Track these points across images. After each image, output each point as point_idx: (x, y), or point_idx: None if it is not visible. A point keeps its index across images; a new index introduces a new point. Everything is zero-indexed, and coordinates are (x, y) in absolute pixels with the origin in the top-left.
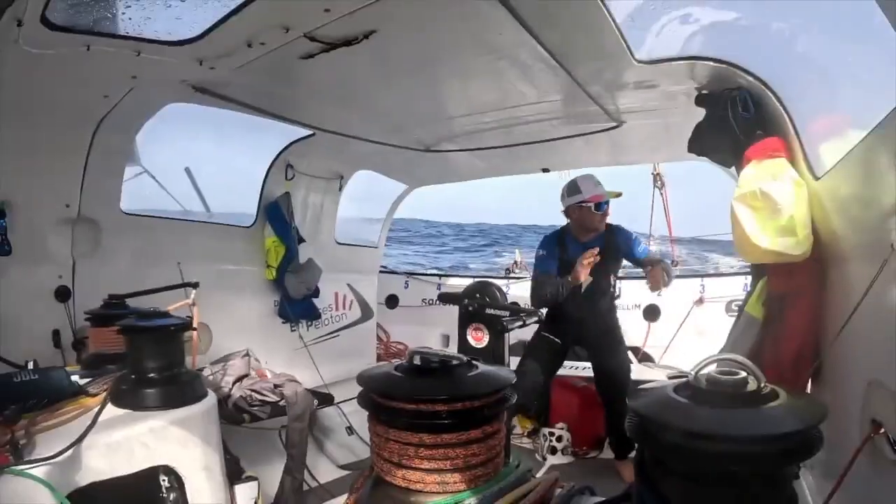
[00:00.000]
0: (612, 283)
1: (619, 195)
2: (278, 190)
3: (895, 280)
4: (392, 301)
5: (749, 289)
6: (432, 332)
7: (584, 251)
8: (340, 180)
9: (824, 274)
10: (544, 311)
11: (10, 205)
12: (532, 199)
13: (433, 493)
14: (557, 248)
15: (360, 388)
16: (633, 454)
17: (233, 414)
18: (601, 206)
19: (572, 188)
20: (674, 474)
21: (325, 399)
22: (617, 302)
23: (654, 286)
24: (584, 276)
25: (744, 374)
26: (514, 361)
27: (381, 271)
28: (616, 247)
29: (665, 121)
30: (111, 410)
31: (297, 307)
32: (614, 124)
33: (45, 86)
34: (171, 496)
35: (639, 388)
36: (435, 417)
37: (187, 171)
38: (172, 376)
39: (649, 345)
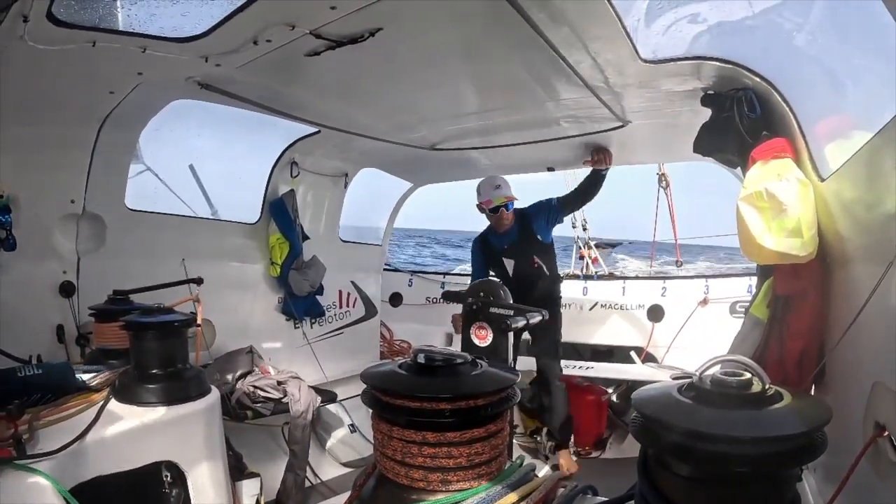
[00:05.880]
0: (548, 269)
1: (512, 200)
2: (283, 187)
3: None
4: (396, 299)
5: (754, 290)
6: (436, 331)
7: (502, 242)
8: (345, 178)
9: (829, 275)
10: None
11: (16, 200)
12: None
13: (436, 491)
14: (480, 246)
15: (363, 386)
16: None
17: (236, 410)
18: (496, 209)
19: (477, 190)
20: (676, 475)
21: (329, 396)
22: (622, 301)
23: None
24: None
25: (748, 375)
26: (520, 361)
27: (385, 269)
28: (530, 229)
29: (671, 121)
30: (115, 405)
31: (301, 304)
32: (620, 124)
33: (50, 82)
34: (174, 491)
35: (643, 388)
36: (438, 416)
37: (191, 168)
38: (176, 372)
39: (652, 345)
